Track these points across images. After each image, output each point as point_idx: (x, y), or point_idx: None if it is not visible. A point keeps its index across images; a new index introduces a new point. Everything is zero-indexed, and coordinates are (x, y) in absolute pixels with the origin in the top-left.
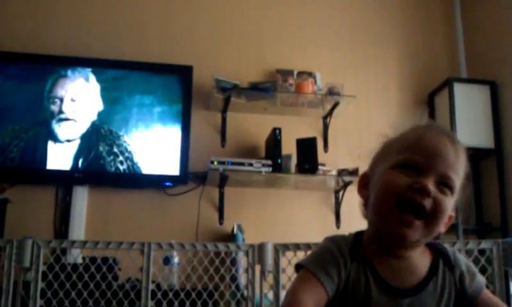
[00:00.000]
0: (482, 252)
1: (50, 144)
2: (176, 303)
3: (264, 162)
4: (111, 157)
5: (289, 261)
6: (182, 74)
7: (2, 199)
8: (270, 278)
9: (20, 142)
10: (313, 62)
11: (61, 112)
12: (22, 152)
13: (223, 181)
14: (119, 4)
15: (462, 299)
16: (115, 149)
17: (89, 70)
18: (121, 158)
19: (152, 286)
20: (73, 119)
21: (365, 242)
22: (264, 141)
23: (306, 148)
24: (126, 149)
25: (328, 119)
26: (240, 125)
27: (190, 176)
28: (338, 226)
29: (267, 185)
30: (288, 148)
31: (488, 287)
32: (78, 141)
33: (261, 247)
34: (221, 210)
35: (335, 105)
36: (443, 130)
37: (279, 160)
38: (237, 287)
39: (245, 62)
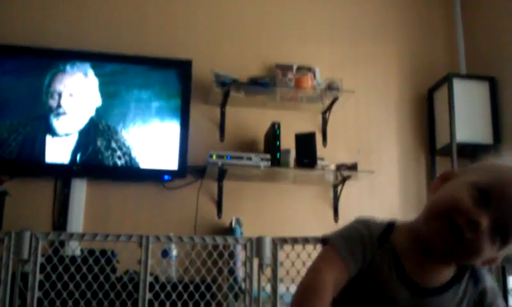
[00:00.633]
0: None
1: (49, 138)
2: (174, 296)
3: (262, 156)
4: (109, 152)
5: (287, 255)
6: (181, 68)
7: (1, 191)
8: (268, 271)
9: (18, 136)
10: (312, 57)
11: (59, 106)
12: (20, 145)
13: (221, 175)
14: None
15: None
16: (113, 144)
17: (88, 64)
18: (119, 153)
19: (150, 279)
20: (71, 114)
21: (397, 231)
22: (262, 135)
23: (305, 143)
24: (124, 144)
25: (327, 114)
26: (239, 120)
27: (189, 170)
28: (336, 221)
29: (265, 179)
30: (287, 142)
31: None
32: (76, 135)
33: (259, 240)
34: (219, 204)
35: (334, 100)
36: None
37: (278, 155)
38: (235, 280)
39: (244, 56)
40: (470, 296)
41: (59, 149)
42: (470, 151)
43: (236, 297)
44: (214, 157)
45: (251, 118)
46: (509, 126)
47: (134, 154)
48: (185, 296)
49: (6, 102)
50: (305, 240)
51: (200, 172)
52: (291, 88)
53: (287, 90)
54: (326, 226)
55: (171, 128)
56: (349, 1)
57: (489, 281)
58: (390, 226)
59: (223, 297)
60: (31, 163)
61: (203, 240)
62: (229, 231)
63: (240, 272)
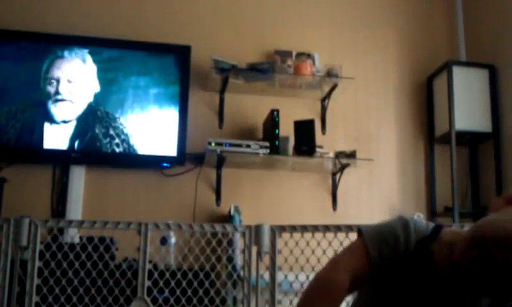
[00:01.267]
0: None
1: (47, 124)
2: (172, 283)
3: (261, 143)
4: (107, 139)
5: (285, 242)
6: (180, 54)
7: (0, 178)
8: (266, 259)
9: (16, 123)
10: (312, 43)
11: (57, 93)
12: (18, 132)
13: (220, 162)
14: None
15: None
16: (111, 131)
17: (86, 50)
18: (117, 140)
19: (148, 266)
20: (69, 100)
21: (441, 241)
22: (261, 122)
23: (304, 130)
24: (122, 131)
25: (326, 102)
26: (238, 106)
27: (187, 157)
28: (334, 208)
29: (264, 166)
30: (286, 129)
31: None
32: (74, 122)
33: (258, 228)
34: (218, 191)
35: (334, 87)
36: None
37: (277, 142)
38: (234, 268)
39: (243, 42)
40: None
41: (57, 136)
42: (469, 139)
43: (234, 284)
44: (213, 144)
45: (250, 104)
46: (508, 114)
47: (132, 141)
48: (183, 283)
49: (3, 88)
50: (304, 228)
51: (198, 159)
52: (290, 75)
53: (286, 76)
54: (325, 214)
55: (169, 115)
56: None
57: None
58: (435, 233)
59: (221, 285)
60: (30, 150)
61: (201, 227)
62: (228, 218)
63: (239, 260)
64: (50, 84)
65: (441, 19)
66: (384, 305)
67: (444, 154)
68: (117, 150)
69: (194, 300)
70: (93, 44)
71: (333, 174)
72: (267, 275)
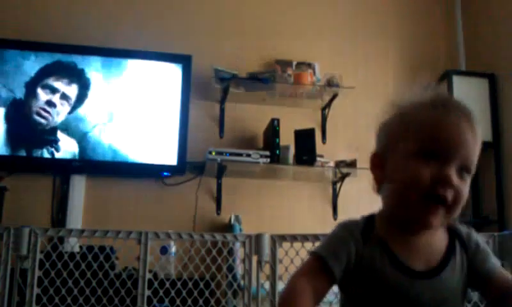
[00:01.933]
0: None
1: (48, 133)
2: (173, 292)
3: (262, 153)
4: (108, 148)
5: (286, 252)
6: (181, 64)
7: (0, 187)
8: (267, 269)
9: (16, 131)
10: (312, 53)
11: (58, 101)
12: (19, 141)
13: (220, 171)
14: None
15: (476, 278)
16: (112, 140)
17: (88, 58)
18: (118, 149)
19: (149, 276)
20: (70, 109)
21: (378, 223)
22: (262, 131)
23: (305, 139)
24: (123, 140)
25: (327, 111)
26: (238, 116)
27: (188, 166)
28: (335, 218)
29: (265, 176)
30: (287, 139)
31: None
32: (75, 130)
33: (258, 237)
34: (218, 201)
35: (334, 96)
36: (461, 112)
37: (277, 151)
38: (234, 277)
39: (244, 52)
40: (465, 265)
41: (58, 145)
42: None
43: (235, 294)
44: (213, 153)
45: (251, 114)
46: (508, 123)
47: (133, 150)
48: (184, 293)
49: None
50: (304, 238)
51: (199, 168)
52: (290, 84)
53: (287, 86)
54: (325, 223)
55: (170, 124)
56: None
57: (476, 241)
58: (371, 219)
59: (221, 294)
60: (30, 159)
61: (202, 237)
62: (228, 228)
63: (239, 269)
64: (51, 92)
65: (441, 28)
66: (370, 299)
67: None
68: (117, 159)
69: None
70: (94, 53)
71: (334, 184)
72: (267, 285)
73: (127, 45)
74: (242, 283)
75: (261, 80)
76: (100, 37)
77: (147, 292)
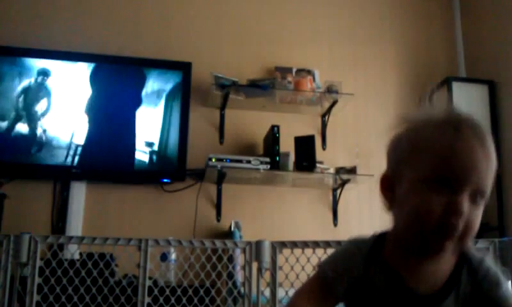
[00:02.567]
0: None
1: (47, 140)
2: (173, 299)
3: (262, 159)
4: (108, 154)
5: (286, 258)
6: (181, 70)
7: (0, 194)
8: (267, 275)
9: (16, 138)
10: (312, 60)
11: (58, 108)
12: (19, 148)
13: (220, 178)
14: None
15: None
16: (112, 147)
17: (86, 66)
18: (118, 155)
19: (149, 283)
20: (69, 116)
21: (387, 243)
22: (262, 138)
23: (305, 146)
24: (123, 147)
25: (326, 117)
26: (238, 122)
27: (188, 173)
28: (335, 224)
29: (265, 182)
30: (287, 145)
31: None
32: (75, 138)
33: (258, 244)
34: (218, 207)
35: (334, 103)
36: (474, 134)
37: (277, 158)
38: (234, 284)
39: (244, 59)
40: (472, 295)
41: (58, 152)
42: None
43: (235, 301)
44: (213, 160)
45: (251, 120)
46: (508, 129)
47: (133, 157)
48: (184, 300)
49: (4, 102)
50: (304, 244)
51: (199, 175)
52: (290, 91)
53: (287, 93)
54: (326, 230)
55: (170, 131)
56: (348, 4)
57: (490, 272)
58: (381, 238)
59: (221, 301)
60: (30, 166)
61: (202, 243)
62: (228, 234)
63: (239, 276)
64: (51, 99)
65: (441, 35)
66: None
67: None
68: (118, 166)
69: None
70: (94, 60)
71: (334, 190)
72: (267, 292)
73: (127, 51)
74: (242, 290)
75: (261, 87)
76: (99, 44)
77: (147, 299)
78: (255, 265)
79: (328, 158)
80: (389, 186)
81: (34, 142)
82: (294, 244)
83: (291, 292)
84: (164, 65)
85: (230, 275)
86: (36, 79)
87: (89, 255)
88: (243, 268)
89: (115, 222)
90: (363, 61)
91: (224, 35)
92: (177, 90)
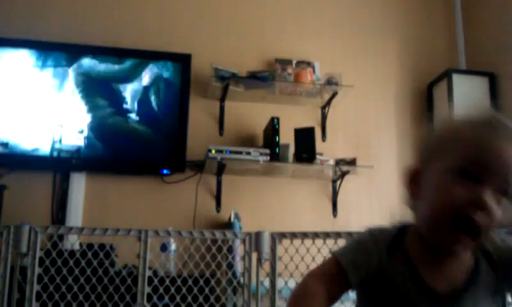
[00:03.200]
0: None
1: (48, 131)
2: (172, 290)
3: (261, 151)
4: (108, 145)
5: (286, 249)
6: (181, 62)
7: (0, 185)
8: (266, 266)
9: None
10: (312, 51)
11: (58, 99)
12: (19, 138)
13: (220, 169)
14: None
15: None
16: (112, 138)
17: (86, 57)
18: (118, 146)
19: (148, 273)
20: (69, 107)
21: (409, 237)
22: (262, 130)
23: (304, 138)
24: (123, 138)
25: (326, 109)
26: (238, 114)
27: (188, 164)
28: (334, 215)
29: (264, 173)
30: (287, 137)
31: None
32: (75, 129)
33: (258, 235)
34: (218, 198)
35: (334, 95)
36: (506, 132)
37: (277, 149)
38: (234, 274)
39: (244, 51)
40: (491, 284)
41: (58, 143)
42: None
43: (235, 291)
44: (213, 151)
45: (250, 112)
46: None
47: (132, 148)
48: (183, 290)
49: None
50: (304, 235)
51: (198, 166)
52: (290, 83)
53: (286, 84)
54: (325, 221)
55: (170, 122)
56: None
57: (495, 248)
58: (402, 231)
59: (221, 292)
60: (30, 156)
61: (201, 234)
62: (228, 225)
63: (239, 267)
64: (52, 89)
65: (441, 27)
66: None
67: None
68: (117, 157)
69: None
70: (93, 52)
71: (334, 181)
72: (267, 282)
73: (126, 43)
74: (242, 280)
75: (261, 79)
76: (98, 35)
77: (147, 289)
78: (254, 256)
79: (328, 149)
80: (415, 179)
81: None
82: (293, 235)
83: (290, 282)
84: (163, 57)
85: (230, 266)
86: (37, 72)
87: (89, 245)
88: (243, 258)
89: (115, 212)
90: (363, 53)
91: (224, 27)
92: (177, 82)
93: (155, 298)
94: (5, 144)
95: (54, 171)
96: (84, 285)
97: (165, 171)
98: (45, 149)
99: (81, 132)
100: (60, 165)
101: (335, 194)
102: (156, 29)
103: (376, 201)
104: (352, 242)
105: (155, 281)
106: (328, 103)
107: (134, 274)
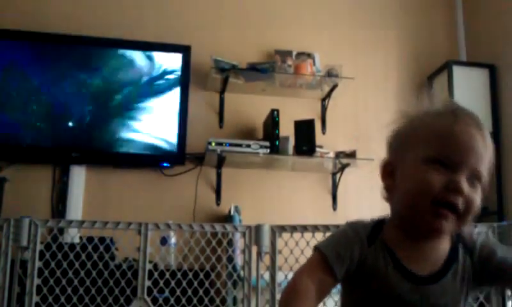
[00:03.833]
0: None
1: (47, 124)
2: (173, 283)
3: (261, 143)
4: (108, 138)
5: (286, 242)
6: (181, 54)
7: (0, 178)
8: (266, 259)
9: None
10: (312, 43)
11: (58, 91)
12: (19, 132)
13: (220, 162)
14: None
15: (489, 274)
16: (112, 131)
17: (86, 48)
18: (118, 139)
19: (149, 266)
20: (70, 100)
21: (386, 227)
22: (261, 122)
23: (304, 130)
24: (123, 131)
25: (326, 101)
26: (238, 106)
27: (187, 157)
28: (334, 208)
29: (264, 166)
30: (286, 129)
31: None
32: (75, 122)
33: (258, 228)
34: (218, 191)
35: (334, 87)
36: (471, 120)
37: (277, 142)
38: (234, 268)
39: (244, 42)
40: (469, 270)
41: (58, 136)
42: None
43: (235, 284)
44: (213, 144)
45: (250, 104)
46: (509, 113)
47: (132, 140)
48: (184, 283)
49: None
50: (304, 228)
51: (198, 159)
52: (290, 74)
53: (286, 76)
54: (325, 214)
55: (169, 114)
56: None
57: (480, 241)
58: (380, 223)
59: (221, 285)
60: (30, 149)
61: (201, 227)
62: (228, 218)
63: (239, 260)
64: (52, 82)
65: (441, 19)
66: (369, 301)
67: None
68: (118, 150)
69: (195, 300)
70: (93, 44)
71: (333, 174)
72: (267, 275)
73: (126, 35)
74: (242, 273)
75: (261, 71)
76: (98, 27)
77: (147, 283)
78: (254, 249)
79: (328, 142)
80: (389, 172)
81: (35, 125)
82: (293, 228)
83: (290, 276)
84: (163, 48)
85: (230, 259)
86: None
87: (89, 239)
88: (243, 252)
89: (115, 206)
90: (363, 45)
91: (223, 18)
92: (176, 73)
93: (155, 291)
94: (5, 137)
95: (54, 164)
96: (84, 278)
97: (165, 164)
98: (45, 142)
99: (81, 124)
100: (60, 158)
101: (334, 186)
102: (156, 20)
103: (376, 193)
104: (334, 234)
105: (156, 274)
106: (328, 95)
107: (134, 268)
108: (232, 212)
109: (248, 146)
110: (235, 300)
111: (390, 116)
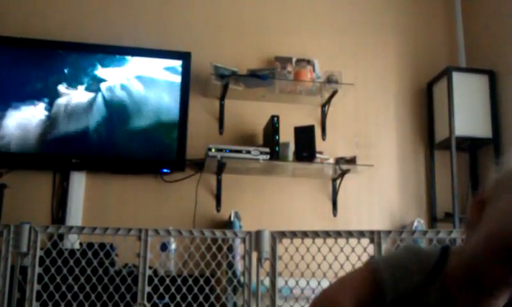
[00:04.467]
0: None
1: (48, 129)
2: (173, 289)
3: (261, 149)
4: (108, 144)
5: (286, 248)
6: (180, 61)
7: (0, 184)
8: (267, 265)
9: (17, 128)
10: (312, 49)
11: (58, 98)
12: (19, 138)
13: (220, 168)
14: None
15: None
16: (112, 137)
17: (87, 55)
18: (118, 145)
19: (149, 272)
20: (70, 106)
21: (450, 265)
22: (261, 128)
23: (304, 136)
24: (123, 137)
25: (326, 108)
26: (238, 113)
27: (187, 163)
28: (334, 214)
29: (264, 172)
30: (286, 135)
31: None
32: (75, 128)
33: (258, 234)
34: (218, 197)
35: (334, 93)
36: None
37: (277, 148)
38: (234, 274)
39: (244, 49)
40: None
41: (58, 142)
42: (469, 145)
43: (235, 290)
44: (213, 150)
45: (250, 110)
46: (508, 119)
47: (132, 147)
48: (184, 289)
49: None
50: (304, 234)
51: (198, 165)
52: (290, 81)
53: (286, 83)
54: (325, 220)
55: (170, 121)
56: None
57: None
58: (444, 256)
59: (221, 291)
60: (30, 156)
61: (202, 233)
62: (228, 224)
63: (239, 266)
64: (52, 89)
65: (441, 25)
66: None
67: (444, 160)
68: (118, 156)
69: (195, 306)
70: (93, 50)
71: (334, 180)
72: (267, 281)
73: (126, 42)
74: (242, 279)
75: (260, 77)
76: (98, 34)
77: (147, 289)
78: (254, 255)
79: (328, 148)
80: (479, 209)
81: (36, 130)
82: (293, 234)
83: (290, 282)
84: (163, 55)
85: (230, 265)
86: (39, 70)
87: (90, 245)
88: (243, 257)
89: (115, 212)
90: (363, 51)
91: (223, 25)
92: (176, 80)
93: (155, 297)
94: (5, 143)
95: (54, 170)
96: (84, 284)
97: (165, 170)
98: (45, 148)
99: (81, 130)
100: (60, 164)
101: (335, 192)
102: (156, 28)
103: (376, 199)
104: (394, 256)
105: (156, 280)
106: (328, 101)
107: (134, 274)
108: (232, 218)
109: (248, 152)
110: (235, 306)
111: (390, 122)
